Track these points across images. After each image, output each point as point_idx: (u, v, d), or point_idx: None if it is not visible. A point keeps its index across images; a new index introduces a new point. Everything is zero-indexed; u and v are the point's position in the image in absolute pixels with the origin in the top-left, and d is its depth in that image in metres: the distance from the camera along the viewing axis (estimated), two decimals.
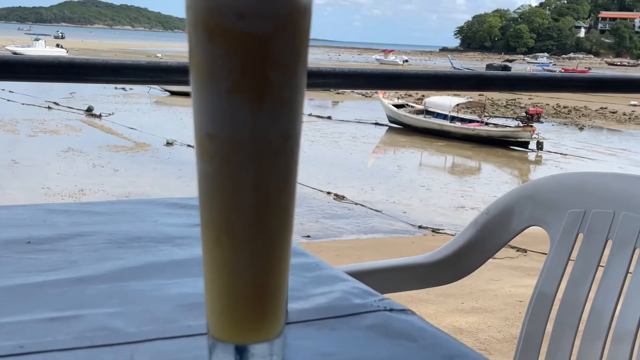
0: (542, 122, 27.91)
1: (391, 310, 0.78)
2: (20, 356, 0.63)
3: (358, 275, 1.27)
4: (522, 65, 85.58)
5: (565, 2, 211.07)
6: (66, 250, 0.97)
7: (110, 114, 25.91)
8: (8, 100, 27.09)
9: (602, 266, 1.21)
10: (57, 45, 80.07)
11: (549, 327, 1.22)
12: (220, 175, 0.51)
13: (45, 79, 1.72)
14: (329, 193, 15.42)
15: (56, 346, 0.66)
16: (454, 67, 77.80)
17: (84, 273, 0.88)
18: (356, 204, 14.96)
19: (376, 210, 14.63)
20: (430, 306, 7.23)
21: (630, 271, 1.13)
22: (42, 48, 69.58)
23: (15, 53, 62.98)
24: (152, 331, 0.71)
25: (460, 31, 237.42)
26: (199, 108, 0.50)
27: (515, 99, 44.16)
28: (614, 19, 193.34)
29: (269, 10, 0.47)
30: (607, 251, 1.19)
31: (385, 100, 29.48)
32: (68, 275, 0.87)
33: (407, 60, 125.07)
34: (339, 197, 15.29)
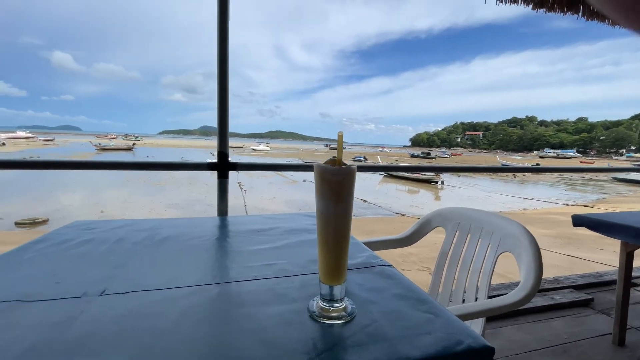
0: (443, 174, 26.68)
1: (384, 265, 0.73)
2: (252, 281, 0.63)
3: (371, 244, 1.23)
4: (434, 152, 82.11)
5: (452, 128, 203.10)
6: (269, 234, 0.93)
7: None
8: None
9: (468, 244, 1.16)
10: (267, 146, 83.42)
11: (446, 265, 1.17)
12: (323, 224, 0.52)
13: (260, 170, 1.76)
14: (361, 199, 15.18)
15: (266, 276, 0.65)
16: (409, 152, 75.52)
17: (276, 244, 0.85)
18: (371, 203, 14.71)
19: (378, 206, 14.29)
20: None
21: (476, 246, 1.08)
22: (261, 146, 72.40)
23: (254, 149, 66.11)
24: (300, 270, 0.69)
25: (411, 139, 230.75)
26: (317, 201, 0.52)
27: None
28: (471, 135, 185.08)
29: (341, 174, 0.49)
30: (468, 238, 1.14)
31: (382, 163, 29.31)
32: (270, 245, 0.85)
33: (390, 150, 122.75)
34: (365, 201, 15.02)
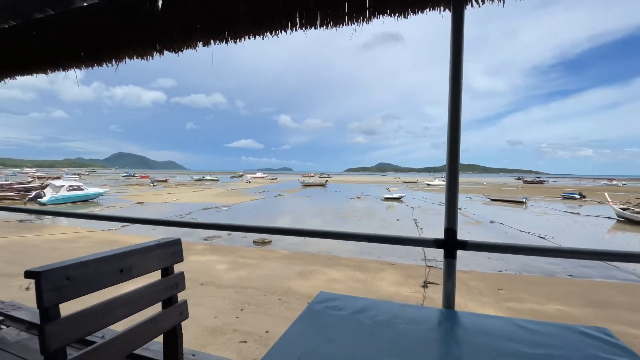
0: None
1: None
2: None
3: None
4: None
5: None
6: None
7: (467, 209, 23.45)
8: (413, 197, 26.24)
9: None
10: (442, 180, 77.11)
11: None
12: None
13: None
14: None
15: None
16: None
17: None
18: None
19: (612, 265, 10.04)
20: None
21: None
22: (436, 181, 66.77)
23: (428, 184, 62.36)
24: None
25: None
26: None
27: None
28: None
29: None
30: None
31: (615, 206, 20.94)
32: None
33: (624, 183, 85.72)
34: None
